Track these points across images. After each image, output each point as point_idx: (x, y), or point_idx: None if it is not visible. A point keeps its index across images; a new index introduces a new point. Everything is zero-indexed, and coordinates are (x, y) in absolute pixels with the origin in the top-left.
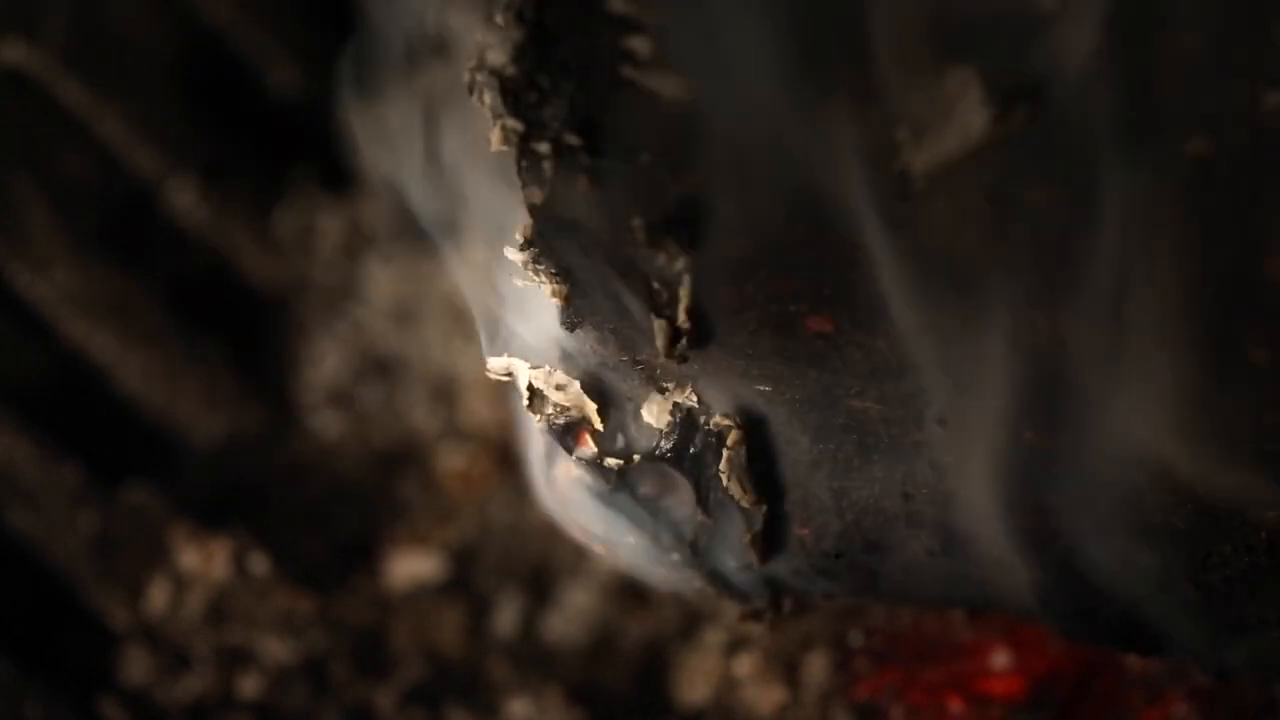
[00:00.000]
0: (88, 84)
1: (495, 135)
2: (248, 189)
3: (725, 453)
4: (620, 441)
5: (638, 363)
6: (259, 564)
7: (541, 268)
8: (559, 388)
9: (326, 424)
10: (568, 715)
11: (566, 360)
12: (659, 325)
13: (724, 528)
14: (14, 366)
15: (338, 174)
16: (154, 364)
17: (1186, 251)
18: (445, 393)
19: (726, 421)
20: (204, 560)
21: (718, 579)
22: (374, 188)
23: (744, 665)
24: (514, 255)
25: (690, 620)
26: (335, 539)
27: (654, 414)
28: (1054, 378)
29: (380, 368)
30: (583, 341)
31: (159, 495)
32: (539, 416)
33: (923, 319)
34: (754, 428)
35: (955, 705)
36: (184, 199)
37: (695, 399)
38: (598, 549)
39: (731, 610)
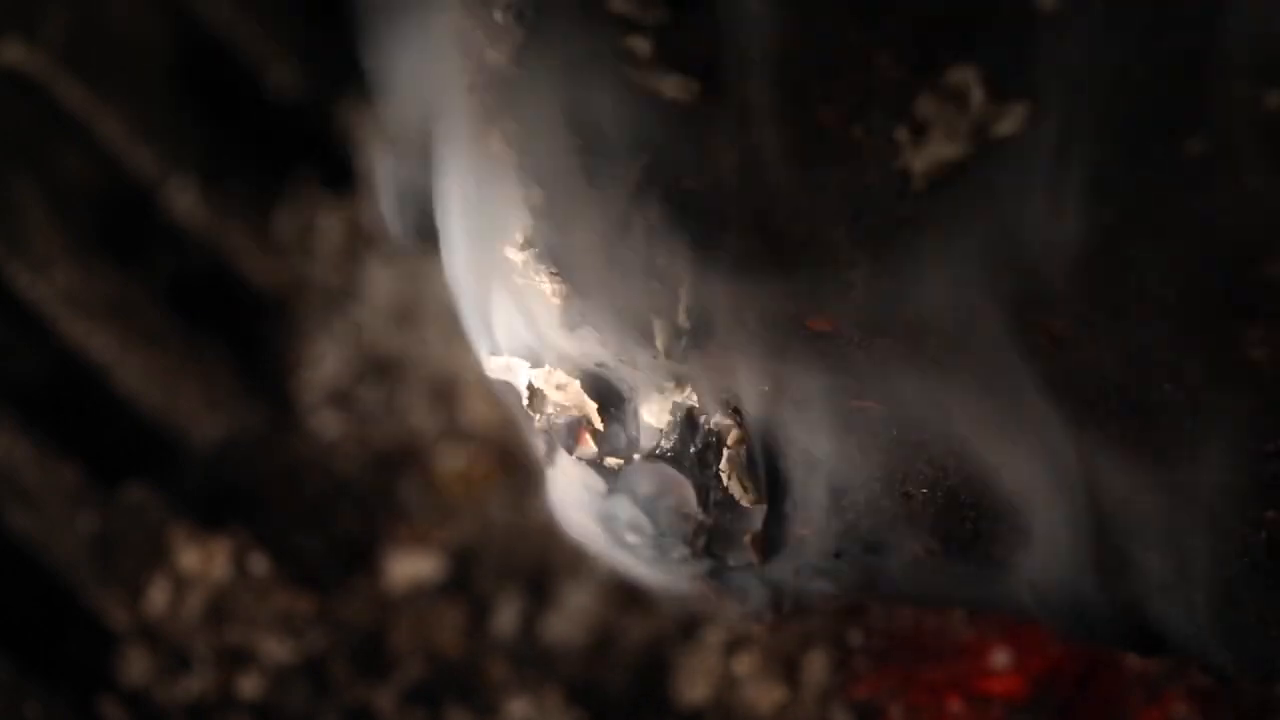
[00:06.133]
0: (88, 84)
1: (495, 136)
2: (248, 189)
3: (725, 452)
4: (620, 441)
5: (638, 363)
6: (259, 564)
7: (541, 268)
8: (559, 388)
9: (326, 424)
10: (568, 715)
11: (566, 360)
12: (659, 325)
13: (724, 528)
14: (14, 366)
15: (338, 174)
16: (154, 364)
17: (1185, 252)
18: (445, 393)
19: (726, 421)
20: (204, 560)
21: (718, 579)
22: (374, 188)
23: (744, 664)
24: (514, 255)
25: (690, 620)
26: (335, 539)
27: (654, 414)
28: (1053, 378)
29: (380, 368)
30: (583, 341)
31: (159, 495)
32: (539, 416)
33: (920, 320)
34: (754, 428)
35: (955, 705)
36: (184, 199)
37: (695, 399)
38: (597, 549)
39: (731, 610)
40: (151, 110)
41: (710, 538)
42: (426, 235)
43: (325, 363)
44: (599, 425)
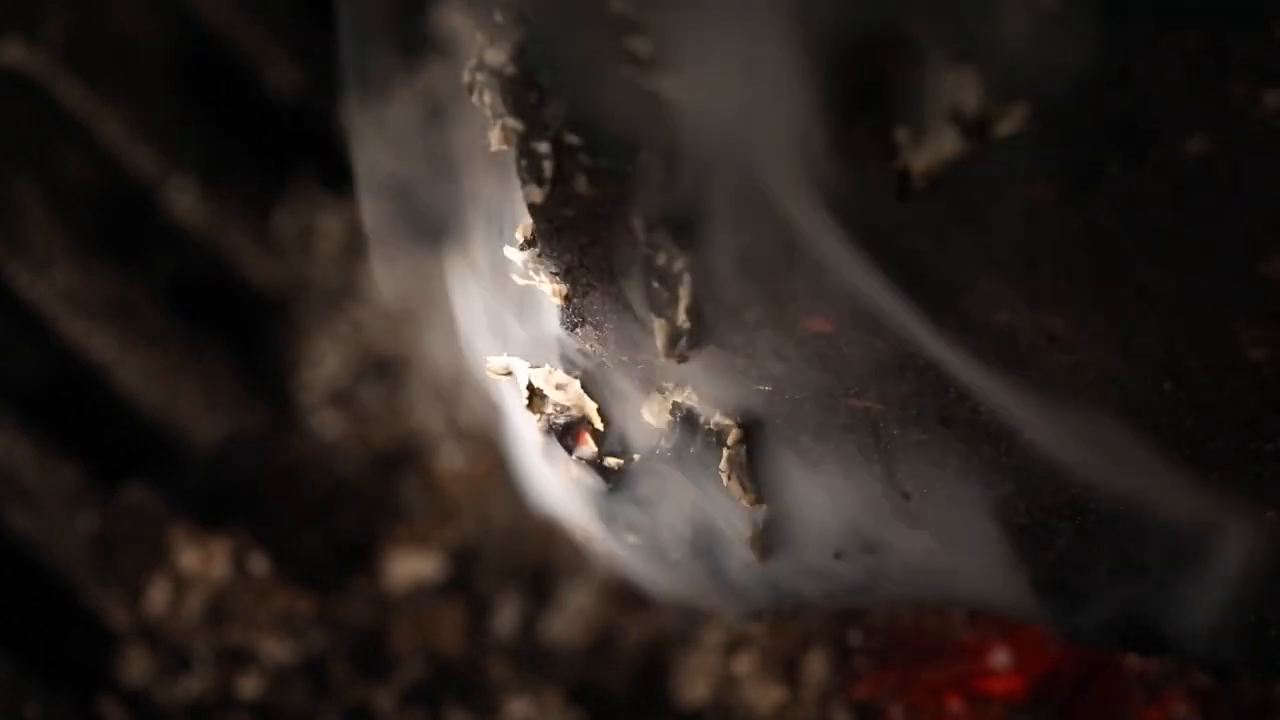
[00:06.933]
0: (88, 84)
1: (495, 135)
2: (248, 189)
3: (725, 452)
4: (620, 441)
5: (638, 363)
6: (259, 564)
7: (541, 267)
8: (559, 387)
9: (326, 424)
10: (568, 715)
11: (566, 360)
12: (659, 325)
13: (724, 528)
14: (14, 366)
15: (338, 174)
16: (154, 364)
17: (1185, 252)
18: (445, 393)
19: (726, 421)
20: (204, 560)
21: (718, 579)
22: (372, 188)
23: (744, 665)
24: (514, 255)
25: (690, 620)
26: (335, 539)
27: (654, 414)
28: (1052, 377)
29: (380, 368)
30: (583, 341)
31: (159, 495)
32: (539, 416)
33: (920, 319)
34: (754, 428)
35: (955, 705)
36: (184, 199)
37: (695, 399)
38: (597, 549)
39: (731, 610)
40: (151, 110)
41: (710, 538)
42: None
43: (325, 363)
44: (599, 425)
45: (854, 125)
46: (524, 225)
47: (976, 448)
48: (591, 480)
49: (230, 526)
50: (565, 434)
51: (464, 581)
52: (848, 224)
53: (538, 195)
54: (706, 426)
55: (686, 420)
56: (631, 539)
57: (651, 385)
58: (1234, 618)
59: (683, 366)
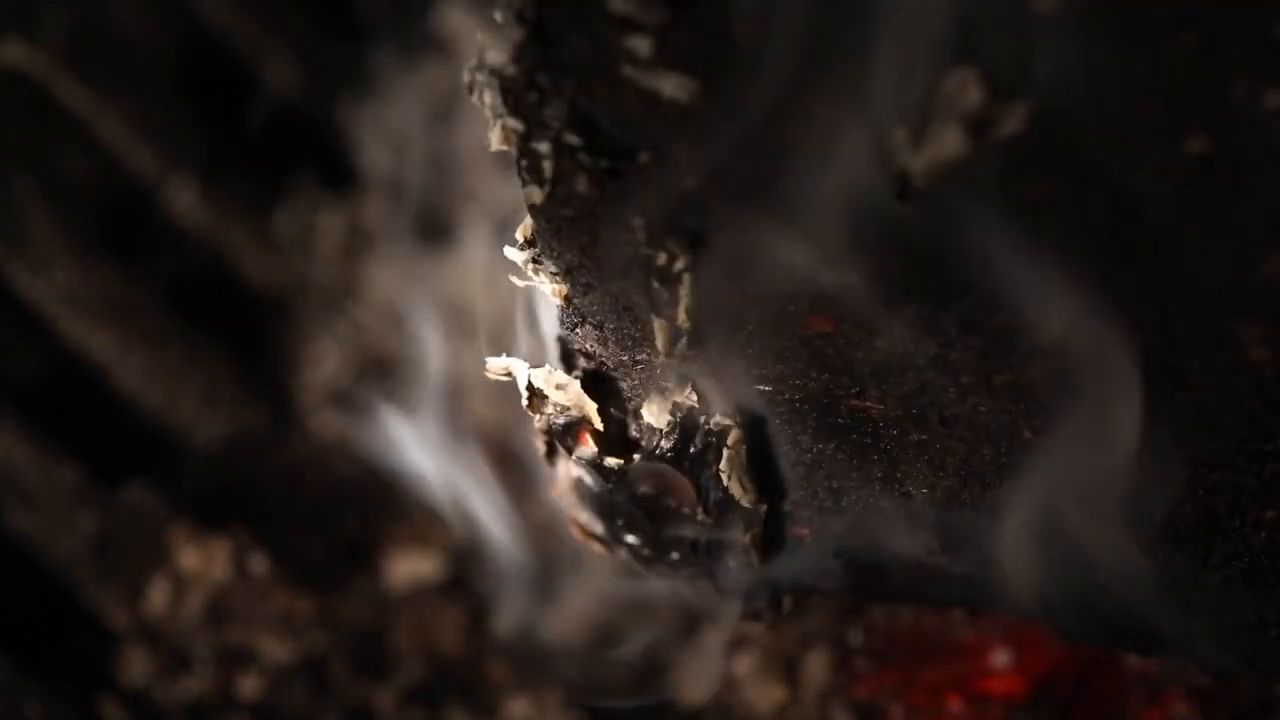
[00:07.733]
0: (88, 84)
1: (495, 135)
2: (248, 189)
3: (725, 452)
4: (620, 441)
5: (638, 363)
6: (259, 564)
7: (541, 268)
8: (559, 387)
9: (326, 424)
10: (568, 715)
11: (567, 360)
12: (659, 325)
13: (724, 527)
14: (14, 366)
15: (338, 174)
16: (154, 364)
17: (1185, 252)
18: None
19: (726, 421)
20: (204, 560)
21: (717, 579)
22: (374, 187)
23: (744, 664)
24: (514, 255)
25: (690, 620)
26: (335, 539)
27: (654, 414)
28: (1056, 375)
29: (380, 368)
30: (583, 341)
31: (159, 495)
32: (539, 416)
33: (922, 319)
34: (754, 427)
35: (955, 705)
36: (184, 199)
37: (695, 399)
38: (597, 549)
39: (731, 610)
40: (151, 110)
41: (710, 538)
42: None
43: (325, 363)
44: (599, 425)
45: (853, 125)
46: (524, 225)
47: (977, 448)
48: (591, 480)
49: (230, 526)
50: (565, 434)
51: (464, 581)
52: (848, 224)
53: (538, 195)
54: (706, 426)
55: (686, 420)
56: (631, 539)
57: (651, 385)
58: (1233, 618)
59: (683, 366)
